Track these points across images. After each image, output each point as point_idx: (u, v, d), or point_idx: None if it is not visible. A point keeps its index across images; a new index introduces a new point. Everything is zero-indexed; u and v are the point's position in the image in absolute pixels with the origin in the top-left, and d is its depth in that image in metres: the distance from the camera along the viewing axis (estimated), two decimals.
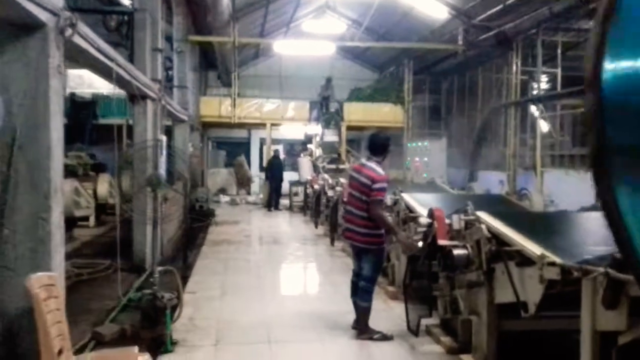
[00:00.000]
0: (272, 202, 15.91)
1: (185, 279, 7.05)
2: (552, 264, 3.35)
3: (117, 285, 5.85)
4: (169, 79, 13.70)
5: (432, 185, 9.94)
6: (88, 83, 16.01)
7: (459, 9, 15.13)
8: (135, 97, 7.46)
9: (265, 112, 18.74)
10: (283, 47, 18.26)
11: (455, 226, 4.62)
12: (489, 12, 14.05)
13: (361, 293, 4.94)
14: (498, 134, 16.03)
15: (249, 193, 19.56)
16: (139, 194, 6.61)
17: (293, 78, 21.72)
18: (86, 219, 9.95)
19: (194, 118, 15.91)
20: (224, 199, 18.19)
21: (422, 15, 16.52)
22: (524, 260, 3.72)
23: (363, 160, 5.05)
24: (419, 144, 17.99)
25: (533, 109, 14.15)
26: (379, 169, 4.87)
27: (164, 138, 8.55)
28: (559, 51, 13.49)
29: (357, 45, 19.69)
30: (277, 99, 19.52)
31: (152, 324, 4.82)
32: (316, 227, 11.91)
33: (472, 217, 4.52)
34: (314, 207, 12.28)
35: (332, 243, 9.77)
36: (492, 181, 13.91)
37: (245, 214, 15.32)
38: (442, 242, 4.51)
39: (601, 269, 2.85)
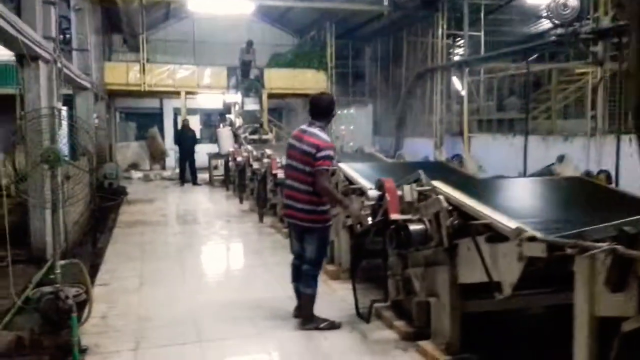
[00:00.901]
0: (184, 176, 15.04)
1: (95, 268, 6.22)
2: (532, 238, 2.92)
3: (10, 282, 4.88)
4: (67, 41, 12.19)
5: (363, 153, 9.44)
6: None
7: None
8: (25, 57, 6.36)
9: (178, 79, 17.44)
10: (197, 5, 16.84)
11: (408, 198, 4.11)
12: None
13: (305, 278, 4.34)
14: (424, 100, 15.84)
15: (163, 168, 18.43)
16: (33, 173, 5.59)
17: (208, 43, 20.37)
18: None
19: (98, 86, 14.42)
20: (136, 174, 16.95)
21: None
22: (495, 235, 3.27)
23: (304, 127, 4.37)
24: (345, 111, 17.51)
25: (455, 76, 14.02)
26: (324, 135, 4.23)
27: (63, 108, 7.49)
28: (482, 14, 13.37)
29: (278, 6, 18.66)
30: (192, 64, 18.27)
31: (56, 329, 4.03)
32: (241, 202, 11.17)
33: (427, 188, 4.03)
34: (238, 181, 11.50)
35: (260, 219, 9.08)
36: (419, 148, 13.72)
37: (160, 190, 14.27)
38: (395, 216, 3.99)
39: (606, 245, 2.42)
